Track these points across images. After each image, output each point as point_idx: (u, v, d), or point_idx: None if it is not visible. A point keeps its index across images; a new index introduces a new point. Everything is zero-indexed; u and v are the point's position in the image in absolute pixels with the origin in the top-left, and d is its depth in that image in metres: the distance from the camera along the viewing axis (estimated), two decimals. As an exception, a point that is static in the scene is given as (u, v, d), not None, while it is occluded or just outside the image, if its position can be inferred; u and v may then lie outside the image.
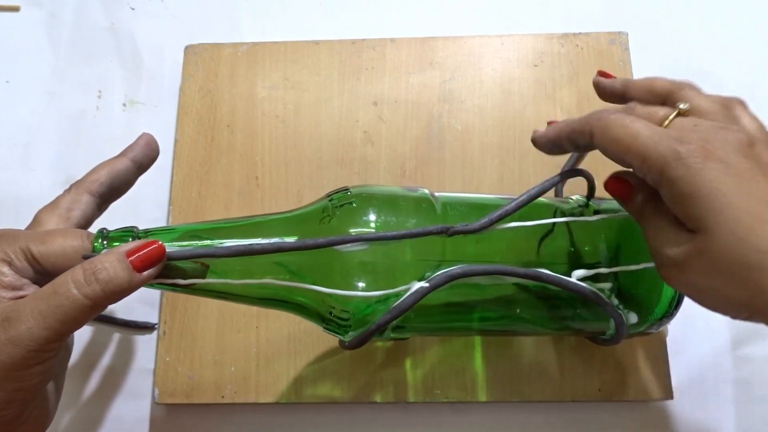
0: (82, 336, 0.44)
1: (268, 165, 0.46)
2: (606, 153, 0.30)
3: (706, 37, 0.51)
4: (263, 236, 0.32)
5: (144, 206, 0.46)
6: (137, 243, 0.29)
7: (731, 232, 0.25)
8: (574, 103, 0.47)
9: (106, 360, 0.44)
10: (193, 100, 0.48)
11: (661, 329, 0.37)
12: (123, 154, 0.36)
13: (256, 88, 0.48)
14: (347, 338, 0.33)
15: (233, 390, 0.42)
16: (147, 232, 0.32)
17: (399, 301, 0.31)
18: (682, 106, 0.30)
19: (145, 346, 0.44)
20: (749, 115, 0.31)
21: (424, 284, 0.31)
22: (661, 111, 0.30)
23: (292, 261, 0.32)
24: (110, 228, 0.32)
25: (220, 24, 0.52)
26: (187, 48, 0.49)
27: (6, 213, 0.48)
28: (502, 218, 0.33)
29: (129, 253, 0.29)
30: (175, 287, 0.31)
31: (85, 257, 0.29)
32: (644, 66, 0.49)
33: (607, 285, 0.34)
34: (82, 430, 0.43)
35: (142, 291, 0.45)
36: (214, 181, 0.46)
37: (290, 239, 0.32)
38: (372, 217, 0.32)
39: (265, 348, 0.42)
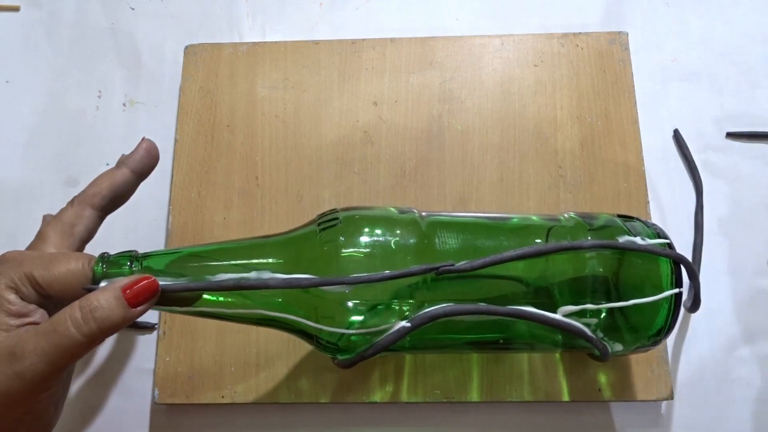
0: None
1: (268, 165, 0.46)
2: None
3: (706, 37, 0.51)
4: (256, 258, 0.33)
5: (144, 206, 0.46)
6: (132, 278, 0.30)
7: None
8: (574, 103, 0.47)
9: (106, 360, 0.44)
10: (193, 100, 0.48)
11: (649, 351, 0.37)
12: (123, 163, 0.36)
13: (256, 88, 0.48)
14: (338, 356, 0.35)
15: (233, 390, 0.42)
16: (146, 256, 0.33)
17: (382, 338, 0.32)
18: None
19: (145, 346, 0.44)
20: None
21: (405, 324, 0.32)
22: None
23: (282, 293, 0.33)
24: (110, 245, 0.34)
25: (220, 24, 0.52)
26: (187, 48, 0.49)
27: (6, 213, 0.48)
28: (496, 264, 0.33)
29: (124, 289, 0.30)
30: (173, 312, 0.33)
31: (86, 289, 0.30)
32: (644, 66, 0.49)
33: (593, 321, 0.34)
34: (82, 430, 0.43)
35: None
36: (214, 181, 0.46)
37: (278, 274, 0.32)
38: (357, 252, 0.33)
39: (265, 348, 0.42)
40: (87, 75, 0.51)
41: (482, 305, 0.33)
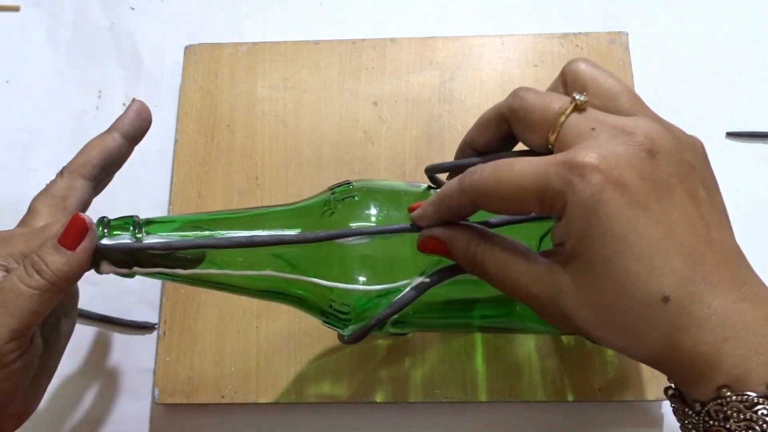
0: (82, 336, 0.44)
1: (268, 165, 0.46)
2: (504, 213, 0.27)
3: (706, 37, 0.51)
4: (265, 228, 0.32)
5: (144, 206, 0.46)
6: (64, 225, 0.29)
7: (617, 280, 0.24)
8: (574, 103, 0.47)
9: (106, 360, 0.44)
10: (193, 100, 0.48)
11: None
12: (114, 128, 0.35)
13: (256, 88, 0.48)
14: (346, 332, 0.33)
15: (233, 390, 0.42)
16: (148, 222, 0.31)
17: (400, 296, 0.31)
18: (578, 96, 0.26)
19: (145, 346, 0.44)
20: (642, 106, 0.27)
21: (425, 279, 0.31)
22: (558, 101, 0.26)
23: (293, 253, 0.32)
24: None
25: (220, 24, 0.52)
26: (187, 48, 0.49)
27: (6, 213, 0.48)
28: (513, 224, 0.32)
29: (60, 237, 0.29)
30: (175, 277, 0.31)
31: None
32: (644, 66, 0.49)
33: None
34: (82, 430, 0.43)
35: (142, 291, 0.45)
36: (214, 181, 0.46)
37: (291, 232, 0.31)
38: (374, 210, 0.32)
39: (265, 348, 0.42)
40: (87, 75, 0.51)
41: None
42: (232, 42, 0.50)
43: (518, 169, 0.25)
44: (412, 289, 0.31)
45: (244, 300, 0.43)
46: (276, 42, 0.50)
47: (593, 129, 0.25)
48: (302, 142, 0.47)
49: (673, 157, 0.24)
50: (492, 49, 0.49)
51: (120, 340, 0.44)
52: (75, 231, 0.29)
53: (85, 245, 0.29)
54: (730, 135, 0.48)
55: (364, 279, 0.31)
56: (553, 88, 0.29)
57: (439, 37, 0.49)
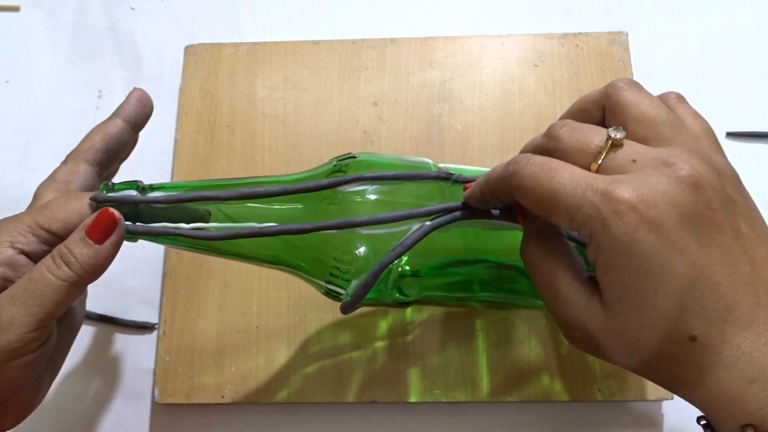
0: (82, 336, 0.44)
1: (268, 165, 0.46)
2: (534, 212, 0.26)
3: (706, 37, 0.51)
4: (275, 203, 0.32)
5: (144, 206, 0.46)
6: (92, 217, 0.29)
7: (646, 316, 0.24)
8: (574, 103, 0.47)
9: (106, 360, 0.44)
10: (193, 100, 0.48)
11: None
12: (115, 114, 0.35)
13: (256, 88, 0.48)
14: (350, 289, 0.33)
15: (233, 390, 0.42)
16: (152, 187, 0.32)
17: (403, 238, 0.31)
18: (613, 134, 0.25)
19: (145, 346, 0.44)
20: (692, 115, 0.28)
21: (426, 222, 0.31)
22: (595, 138, 0.25)
23: (297, 215, 0.32)
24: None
25: (220, 24, 0.52)
26: (187, 48, 0.49)
27: (6, 213, 0.48)
28: None
29: (87, 230, 0.29)
30: (177, 240, 0.31)
31: (94, 198, 0.30)
32: (644, 66, 0.49)
33: None
34: (82, 430, 0.43)
35: (142, 291, 0.45)
36: (214, 181, 0.46)
37: (293, 205, 0.32)
38: (373, 188, 0.32)
39: (265, 348, 0.42)
40: (87, 75, 0.51)
41: None
42: (232, 42, 0.50)
43: (558, 179, 0.24)
44: (414, 231, 0.31)
45: (244, 300, 0.43)
46: (276, 42, 0.50)
47: (634, 161, 0.24)
48: (302, 142, 0.47)
49: (717, 192, 0.24)
50: (492, 49, 0.49)
51: (120, 340, 0.44)
52: (103, 225, 0.29)
53: (113, 239, 0.29)
54: (730, 135, 0.48)
55: (366, 244, 0.32)
56: (590, 105, 0.29)
57: (439, 37, 0.49)
